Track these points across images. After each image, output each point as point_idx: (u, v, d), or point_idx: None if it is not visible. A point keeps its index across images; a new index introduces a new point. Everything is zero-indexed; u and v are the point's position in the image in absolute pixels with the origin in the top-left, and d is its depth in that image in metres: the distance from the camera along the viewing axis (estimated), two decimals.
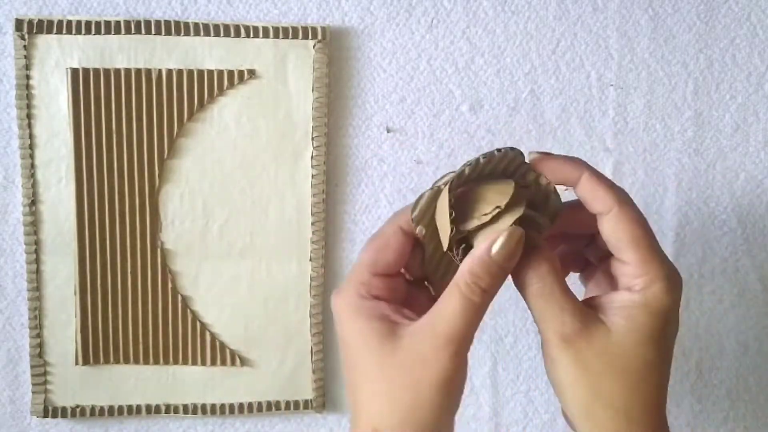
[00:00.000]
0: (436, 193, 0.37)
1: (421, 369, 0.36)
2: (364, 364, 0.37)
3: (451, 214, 0.36)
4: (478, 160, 0.37)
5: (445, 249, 0.37)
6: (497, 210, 0.36)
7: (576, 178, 0.37)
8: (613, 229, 0.36)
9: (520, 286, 0.37)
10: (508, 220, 0.36)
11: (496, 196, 0.36)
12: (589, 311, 0.36)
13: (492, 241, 0.36)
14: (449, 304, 0.36)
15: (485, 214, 0.36)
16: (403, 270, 0.40)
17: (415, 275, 0.41)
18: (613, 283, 0.39)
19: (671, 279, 0.36)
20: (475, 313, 0.36)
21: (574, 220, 0.39)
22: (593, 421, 0.37)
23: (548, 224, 0.39)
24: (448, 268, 0.39)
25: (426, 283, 0.41)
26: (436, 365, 0.36)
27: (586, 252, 0.42)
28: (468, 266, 0.36)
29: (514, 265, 0.36)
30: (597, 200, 0.36)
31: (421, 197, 0.38)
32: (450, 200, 0.36)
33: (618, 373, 0.36)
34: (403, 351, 0.36)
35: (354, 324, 0.37)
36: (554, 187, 0.39)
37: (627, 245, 0.36)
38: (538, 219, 0.38)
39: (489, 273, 0.36)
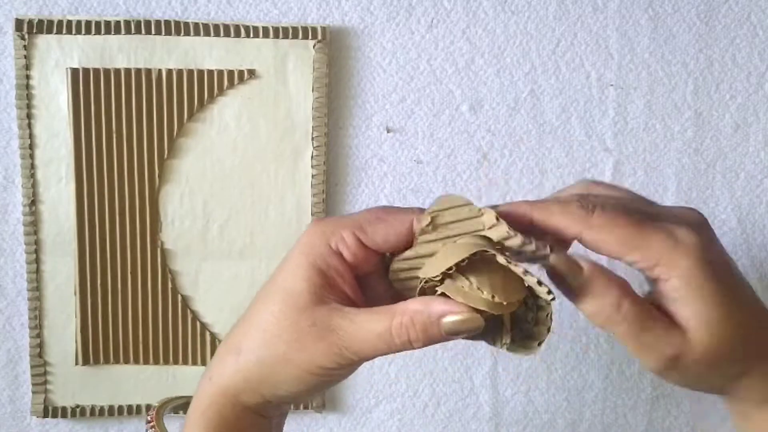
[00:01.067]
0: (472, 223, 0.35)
1: (309, 344, 0.34)
2: (275, 297, 0.36)
3: (463, 261, 0.33)
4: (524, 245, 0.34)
5: (425, 275, 0.35)
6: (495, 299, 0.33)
7: (540, 220, 0.35)
8: (596, 246, 0.35)
9: (604, 327, 0.35)
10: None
11: (510, 291, 0.34)
12: (673, 327, 0.34)
13: (452, 311, 0.33)
14: (374, 324, 0.34)
15: (484, 296, 0.33)
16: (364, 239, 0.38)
17: (383, 249, 0.38)
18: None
19: (686, 239, 0.34)
20: (386, 348, 0.34)
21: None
22: (734, 389, 0.36)
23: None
24: (410, 282, 0.37)
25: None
26: (321, 355, 0.34)
27: None
28: (413, 310, 0.34)
29: (454, 340, 0.35)
30: (564, 231, 0.35)
31: (452, 202, 0.35)
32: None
33: (719, 360, 0.34)
34: (312, 317, 0.35)
35: (298, 257, 0.36)
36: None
37: (620, 250, 0.34)
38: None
39: (425, 333, 0.34)
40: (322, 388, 0.37)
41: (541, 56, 0.59)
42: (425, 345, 0.34)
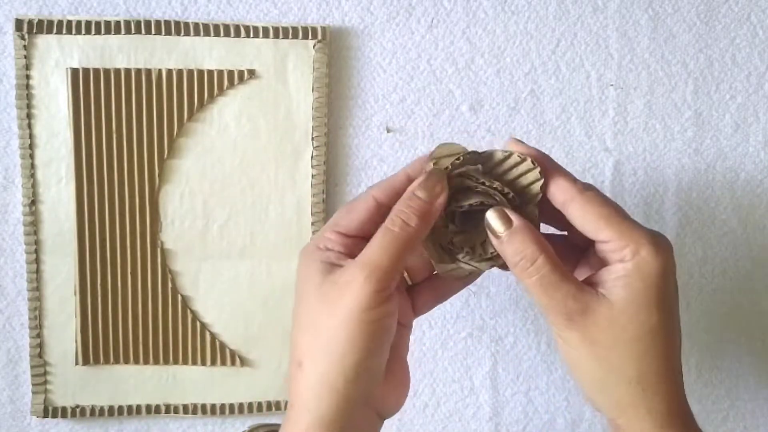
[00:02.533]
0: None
1: (341, 296, 0.37)
2: (299, 301, 0.39)
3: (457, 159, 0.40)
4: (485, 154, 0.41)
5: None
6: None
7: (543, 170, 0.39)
8: (581, 214, 0.38)
9: (519, 277, 0.38)
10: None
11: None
12: (589, 289, 0.37)
13: (418, 183, 0.39)
14: (374, 237, 0.38)
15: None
16: (405, 275, 0.43)
17: (414, 280, 0.44)
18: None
19: (656, 242, 0.37)
20: (395, 244, 0.37)
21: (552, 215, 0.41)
22: (608, 394, 0.38)
23: (534, 210, 0.40)
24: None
25: (405, 274, 0.44)
26: (350, 289, 0.36)
27: (573, 239, 0.43)
28: (395, 205, 0.38)
29: (439, 204, 0.38)
30: (560, 191, 0.38)
31: (445, 147, 0.41)
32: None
33: (625, 343, 0.36)
34: (329, 282, 0.37)
35: (303, 267, 0.39)
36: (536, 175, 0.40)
37: (599, 224, 0.37)
38: (526, 209, 0.40)
39: (412, 208, 0.38)
40: (378, 346, 0.38)
41: (541, 56, 0.59)
42: (424, 222, 0.38)
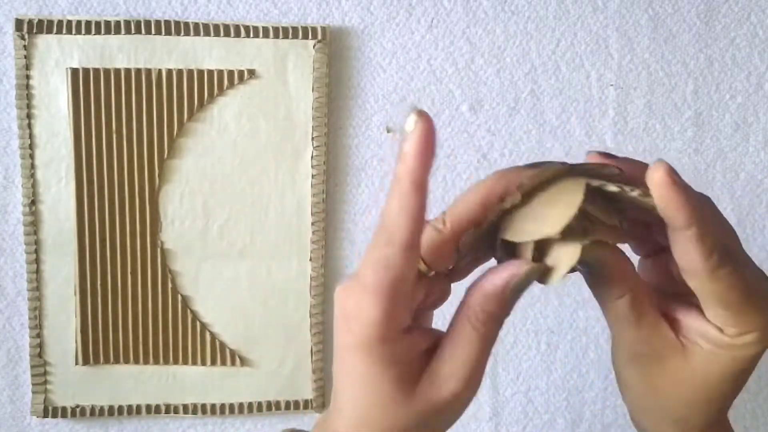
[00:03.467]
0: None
1: (442, 408, 0.32)
2: (381, 410, 0.32)
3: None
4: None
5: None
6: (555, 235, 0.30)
7: (679, 226, 0.32)
8: (702, 290, 0.32)
9: (598, 301, 0.34)
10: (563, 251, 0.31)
11: (559, 211, 0.31)
12: (667, 333, 0.33)
13: (511, 275, 0.31)
14: (459, 343, 0.32)
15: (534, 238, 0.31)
16: (422, 267, 0.34)
17: (437, 269, 0.35)
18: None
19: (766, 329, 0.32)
20: (485, 345, 0.32)
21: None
22: (652, 425, 0.36)
23: (623, 227, 0.33)
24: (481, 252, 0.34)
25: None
26: (453, 404, 0.32)
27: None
28: (477, 301, 0.32)
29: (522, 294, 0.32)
30: (687, 261, 0.31)
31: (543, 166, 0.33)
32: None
33: (689, 398, 0.34)
34: (423, 401, 0.32)
35: (365, 368, 0.32)
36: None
37: (717, 305, 0.32)
38: (615, 221, 0.33)
39: (499, 305, 0.32)
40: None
41: (541, 56, 0.59)
42: (506, 313, 0.32)
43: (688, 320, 0.34)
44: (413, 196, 0.31)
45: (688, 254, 0.31)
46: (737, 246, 0.34)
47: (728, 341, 0.33)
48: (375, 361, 0.31)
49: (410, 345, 0.32)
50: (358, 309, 0.30)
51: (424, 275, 0.34)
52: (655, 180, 0.30)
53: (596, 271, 0.33)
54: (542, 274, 0.31)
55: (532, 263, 0.31)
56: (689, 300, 0.35)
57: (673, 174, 0.31)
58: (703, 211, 0.32)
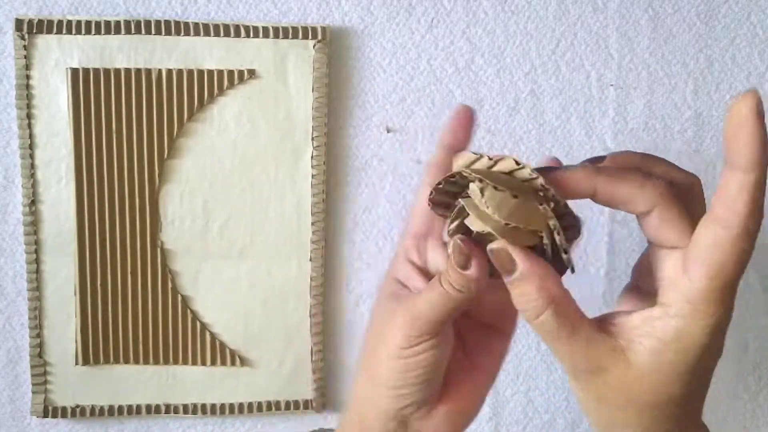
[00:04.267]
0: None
1: (387, 329, 0.37)
2: (367, 343, 0.39)
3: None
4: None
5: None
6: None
7: (646, 209, 0.32)
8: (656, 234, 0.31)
9: (528, 322, 0.34)
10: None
11: (525, 219, 0.32)
12: (604, 342, 0.32)
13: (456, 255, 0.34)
14: (426, 287, 0.37)
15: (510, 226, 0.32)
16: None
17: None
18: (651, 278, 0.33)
19: (716, 313, 0.30)
20: (442, 302, 0.35)
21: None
22: None
23: (569, 244, 0.34)
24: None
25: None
26: (393, 331, 0.36)
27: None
28: (449, 266, 0.35)
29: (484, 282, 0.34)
30: (667, 238, 0.31)
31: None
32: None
33: (638, 407, 0.32)
34: (388, 308, 0.38)
35: (376, 309, 0.39)
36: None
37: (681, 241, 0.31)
38: (562, 245, 0.33)
39: (460, 282, 0.34)
40: (413, 375, 0.37)
41: (541, 56, 0.59)
42: (473, 290, 0.35)
43: (625, 320, 0.32)
44: None
45: (672, 237, 0.31)
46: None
47: (671, 332, 0.30)
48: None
49: None
50: None
51: None
52: (600, 183, 0.31)
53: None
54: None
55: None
56: (625, 299, 0.36)
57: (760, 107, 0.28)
58: (666, 189, 0.32)
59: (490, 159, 0.33)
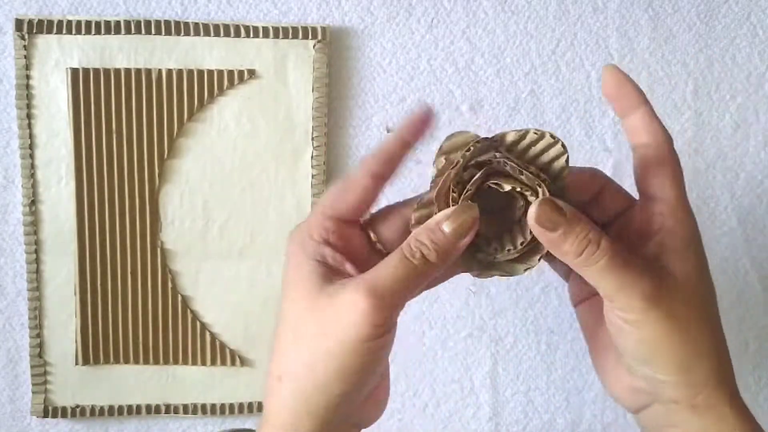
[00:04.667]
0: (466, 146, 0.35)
1: (335, 316, 0.32)
2: (288, 305, 0.35)
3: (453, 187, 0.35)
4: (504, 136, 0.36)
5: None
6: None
7: (633, 108, 0.37)
8: (657, 164, 0.37)
9: (581, 267, 0.34)
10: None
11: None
12: (650, 265, 0.35)
13: (446, 216, 0.34)
14: (386, 261, 0.34)
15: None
16: (374, 237, 0.37)
17: (387, 246, 0.37)
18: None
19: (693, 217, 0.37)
20: (408, 275, 0.33)
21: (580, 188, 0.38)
22: (690, 372, 0.35)
23: (562, 187, 0.36)
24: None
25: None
26: (350, 315, 0.32)
27: (592, 214, 0.38)
28: (415, 232, 0.34)
29: (464, 245, 0.34)
30: (648, 134, 0.37)
31: (454, 137, 0.36)
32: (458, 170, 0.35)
33: (699, 316, 0.35)
34: (326, 296, 0.33)
35: (293, 261, 0.35)
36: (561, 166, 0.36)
37: (668, 182, 0.36)
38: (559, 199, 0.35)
39: (433, 242, 0.34)
40: (369, 374, 0.34)
41: (541, 56, 0.59)
42: (444, 260, 0.34)
43: (647, 248, 0.36)
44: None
45: (636, 137, 0.37)
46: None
47: (679, 237, 0.36)
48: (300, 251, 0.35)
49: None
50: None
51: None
52: (605, 79, 0.36)
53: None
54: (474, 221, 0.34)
55: (466, 203, 0.35)
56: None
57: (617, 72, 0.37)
58: (644, 99, 0.37)
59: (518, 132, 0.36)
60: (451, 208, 0.34)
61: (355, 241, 0.36)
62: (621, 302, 0.34)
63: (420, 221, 0.36)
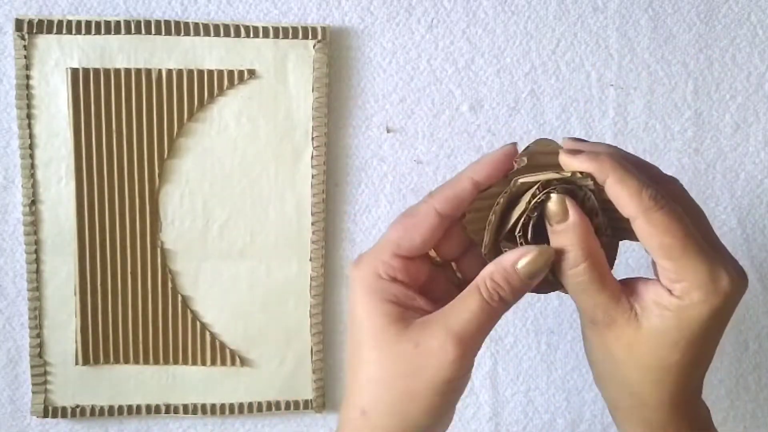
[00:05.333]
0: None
1: (423, 360, 0.34)
2: (368, 345, 0.36)
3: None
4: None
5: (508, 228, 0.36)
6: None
7: (601, 181, 0.34)
8: (642, 236, 0.34)
9: (560, 271, 0.36)
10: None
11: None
12: (624, 304, 0.35)
13: (521, 255, 0.35)
14: (466, 303, 0.35)
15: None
16: (432, 252, 0.38)
17: (445, 257, 0.39)
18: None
19: (714, 287, 0.33)
20: (489, 318, 0.35)
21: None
22: (618, 404, 0.37)
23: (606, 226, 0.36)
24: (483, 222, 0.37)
25: (454, 266, 0.40)
26: (438, 360, 0.34)
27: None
28: (490, 272, 0.35)
29: (538, 281, 0.35)
30: (623, 207, 0.34)
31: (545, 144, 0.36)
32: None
33: (642, 366, 0.35)
34: (409, 339, 0.35)
35: (365, 301, 0.36)
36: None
37: (658, 254, 0.34)
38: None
39: (509, 284, 0.35)
40: (451, 407, 0.37)
41: (541, 56, 0.59)
42: (516, 297, 0.35)
43: (644, 289, 0.35)
44: None
45: (623, 204, 0.34)
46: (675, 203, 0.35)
47: (676, 302, 0.34)
48: (367, 292, 0.36)
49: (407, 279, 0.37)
50: None
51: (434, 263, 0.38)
52: (561, 157, 0.35)
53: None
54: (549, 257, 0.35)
55: (542, 246, 0.35)
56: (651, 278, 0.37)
57: (571, 143, 0.36)
58: (614, 160, 0.34)
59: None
60: (528, 250, 0.35)
61: (420, 271, 0.38)
62: (578, 310, 0.36)
63: (473, 215, 0.36)
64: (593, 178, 0.34)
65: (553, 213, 0.35)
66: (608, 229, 0.36)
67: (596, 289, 0.35)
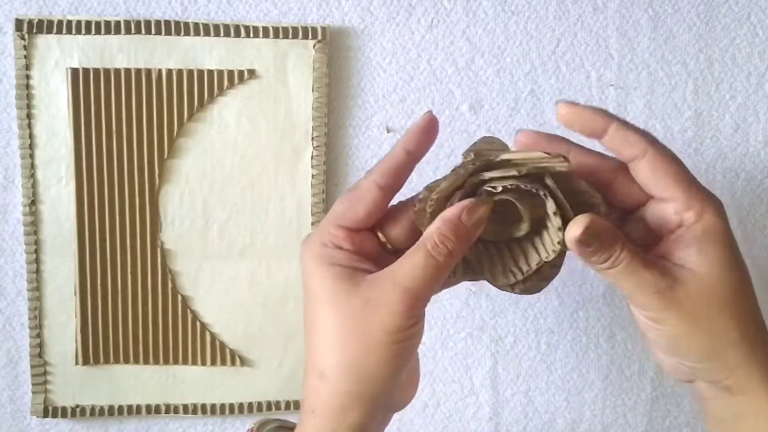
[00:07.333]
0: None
1: (373, 316, 0.36)
2: (320, 308, 0.37)
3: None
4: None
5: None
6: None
7: (603, 129, 0.37)
8: (651, 169, 0.37)
9: (601, 270, 0.37)
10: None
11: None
12: (669, 265, 0.37)
13: (463, 206, 0.37)
14: (413, 259, 0.37)
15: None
16: (383, 239, 0.40)
17: (396, 245, 0.40)
18: (650, 232, 0.39)
19: (716, 201, 0.37)
20: (435, 272, 0.37)
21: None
22: (717, 360, 0.37)
23: (606, 210, 0.38)
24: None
25: None
26: (389, 314, 0.36)
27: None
28: (437, 227, 0.37)
29: (479, 232, 0.37)
30: (630, 146, 0.37)
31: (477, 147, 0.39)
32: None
33: (722, 307, 0.37)
34: (358, 297, 0.36)
35: (313, 269, 0.38)
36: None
37: (670, 181, 0.37)
38: (596, 204, 0.38)
39: (456, 234, 0.37)
40: (406, 361, 0.38)
41: (541, 56, 0.59)
42: (462, 249, 0.37)
43: (665, 244, 0.38)
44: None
45: (632, 141, 0.37)
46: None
47: (699, 229, 0.36)
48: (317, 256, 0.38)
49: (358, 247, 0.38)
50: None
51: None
52: (561, 109, 0.37)
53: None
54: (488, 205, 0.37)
55: (484, 197, 0.37)
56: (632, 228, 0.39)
57: (566, 103, 0.38)
58: (609, 113, 0.38)
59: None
60: (468, 201, 0.37)
61: (366, 244, 0.39)
62: (639, 301, 0.37)
63: (424, 214, 0.38)
64: (565, 157, 0.36)
65: (578, 232, 0.36)
66: (602, 206, 0.38)
67: (643, 264, 0.36)
